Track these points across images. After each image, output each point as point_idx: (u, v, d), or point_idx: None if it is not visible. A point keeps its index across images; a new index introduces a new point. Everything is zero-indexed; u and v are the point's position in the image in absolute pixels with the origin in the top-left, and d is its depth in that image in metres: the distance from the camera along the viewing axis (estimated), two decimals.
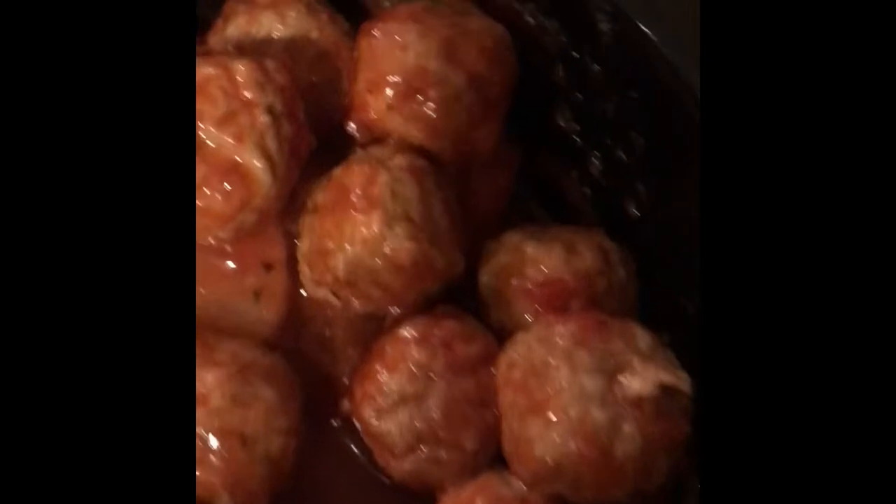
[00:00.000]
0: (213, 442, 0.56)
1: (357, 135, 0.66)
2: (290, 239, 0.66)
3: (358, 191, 0.60)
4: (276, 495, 0.59)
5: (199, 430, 0.56)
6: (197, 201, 0.57)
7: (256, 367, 0.59)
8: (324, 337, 0.67)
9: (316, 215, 0.63)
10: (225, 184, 0.57)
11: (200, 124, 0.57)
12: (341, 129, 0.68)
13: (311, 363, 0.65)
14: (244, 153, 0.57)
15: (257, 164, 0.58)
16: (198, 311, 0.62)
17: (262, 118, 0.58)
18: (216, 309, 0.64)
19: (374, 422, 0.59)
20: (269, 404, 0.58)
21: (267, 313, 0.65)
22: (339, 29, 0.69)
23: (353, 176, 0.61)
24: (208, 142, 0.57)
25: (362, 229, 0.59)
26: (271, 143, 0.58)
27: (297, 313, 0.66)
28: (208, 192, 0.57)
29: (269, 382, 0.59)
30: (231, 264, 0.65)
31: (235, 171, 0.57)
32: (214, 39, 0.67)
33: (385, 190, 0.59)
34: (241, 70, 0.58)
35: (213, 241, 0.61)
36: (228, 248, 0.64)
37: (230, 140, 0.57)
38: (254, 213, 0.60)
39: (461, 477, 0.58)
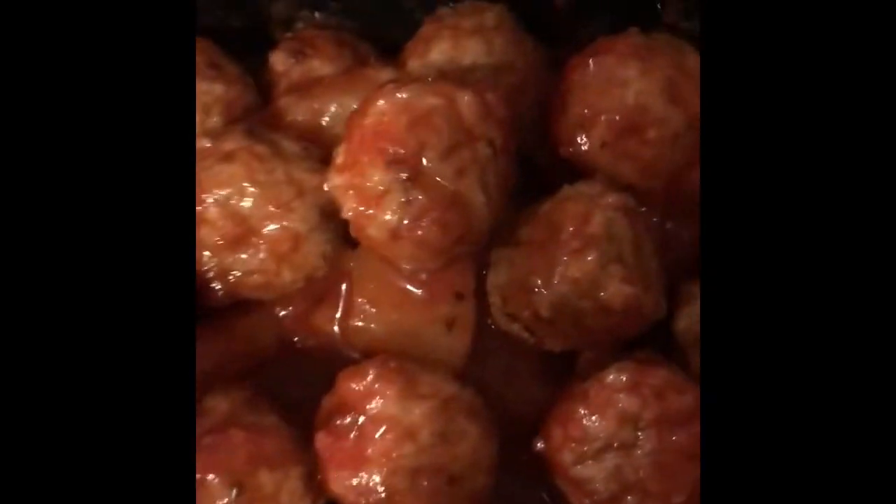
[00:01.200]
0: (423, 480, 0.55)
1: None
2: (479, 270, 0.67)
3: (571, 229, 0.59)
4: None
5: (408, 463, 0.55)
6: (415, 232, 0.56)
7: (459, 401, 0.57)
8: (509, 371, 0.66)
9: (519, 249, 0.62)
10: (444, 217, 0.56)
11: (424, 155, 0.56)
12: (532, 161, 0.68)
13: (494, 398, 0.65)
14: (466, 187, 0.56)
15: (479, 198, 0.56)
16: (389, 339, 0.63)
17: (484, 152, 0.57)
18: (409, 336, 0.63)
19: (575, 467, 0.57)
20: (475, 442, 0.56)
21: (459, 343, 0.63)
22: (542, 58, 0.68)
23: (566, 213, 0.59)
24: (431, 173, 0.56)
25: (575, 269, 0.58)
26: (491, 178, 0.57)
27: (482, 343, 0.66)
28: (426, 224, 0.56)
29: (471, 418, 0.57)
30: (423, 293, 0.65)
31: (456, 204, 0.56)
32: (414, 63, 0.67)
33: (601, 230, 0.58)
34: (466, 102, 0.56)
35: (415, 272, 0.61)
36: (423, 277, 0.64)
37: (452, 173, 0.56)
38: (467, 247, 0.59)
39: None
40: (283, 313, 0.64)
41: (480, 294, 0.65)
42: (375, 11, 0.74)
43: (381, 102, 0.57)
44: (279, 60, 0.70)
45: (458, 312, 0.64)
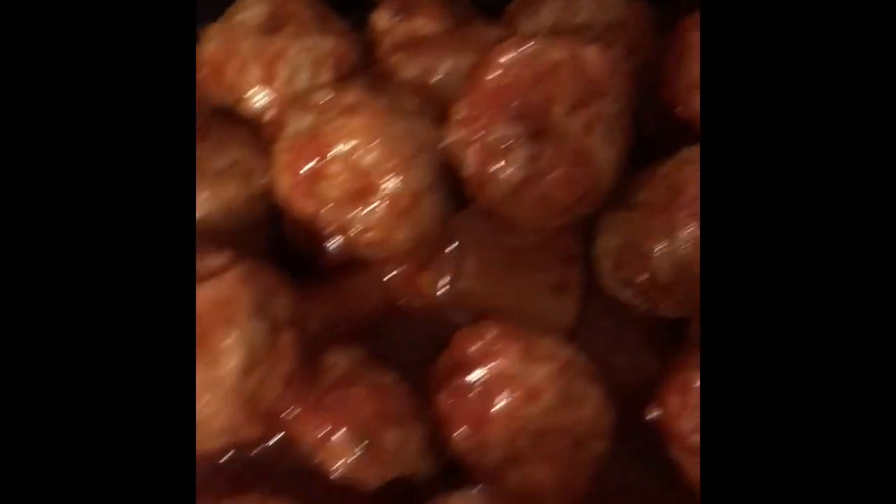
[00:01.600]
0: (547, 442, 0.54)
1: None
2: (587, 234, 0.66)
3: (694, 190, 0.58)
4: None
5: (533, 425, 0.54)
6: (540, 188, 0.55)
7: (577, 364, 0.57)
8: (616, 338, 0.65)
9: (634, 212, 0.61)
10: (571, 173, 0.56)
11: (551, 109, 0.55)
12: (638, 125, 0.67)
13: (602, 365, 0.64)
14: (594, 143, 0.55)
15: (606, 155, 0.56)
16: (497, 302, 0.62)
17: (612, 107, 0.56)
18: (517, 300, 0.62)
19: (694, 436, 0.56)
20: (597, 406, 0.56)
21: (567, 307, 0.62)
22: (653, 18, 0.67)
23: (688, 176, 0.58)
24: (558, 128, 0.55)
25: (696, 231, 0.57)
26: (617, 135, 0.57)
27: (587, 308, 0.65)
28: (552, 180, 0.55)
29: (591, 382, 0.56)
30: (532, 257, 0.64)
31: (583, 160, 0.56)
32: (524, 22, 0.66)
33: None
34: (593, 55, 0.55)
35: (528, 233, 0.60)
36: (532, 240, 0.63)
37: (580, 128, 0.55)
38: (589, 206, 0.58)
39: None
40: (391, 275, 0.64)
41: (588, 258, 0.65)
42: None
43: (504, 56, 0.56)
44: (382, 19, 0.69)
45: (567, 276, 0.63)
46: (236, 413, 0.50)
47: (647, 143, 0.65)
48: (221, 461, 0.53)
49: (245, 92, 0.63)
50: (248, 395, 0.50)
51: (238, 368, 0.49)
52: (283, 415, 0.53)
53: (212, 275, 0.50)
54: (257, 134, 0.63)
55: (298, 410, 0.54)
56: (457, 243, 0.63)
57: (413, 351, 0.62)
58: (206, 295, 0.49)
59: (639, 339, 0.64)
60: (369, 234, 0.59)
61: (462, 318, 0.63)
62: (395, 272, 0.63)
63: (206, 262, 0.51)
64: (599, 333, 0.64)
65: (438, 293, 0.63)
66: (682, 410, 0.57)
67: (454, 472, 0.58)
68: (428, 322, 0.63)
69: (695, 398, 0.57)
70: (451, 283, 0.63)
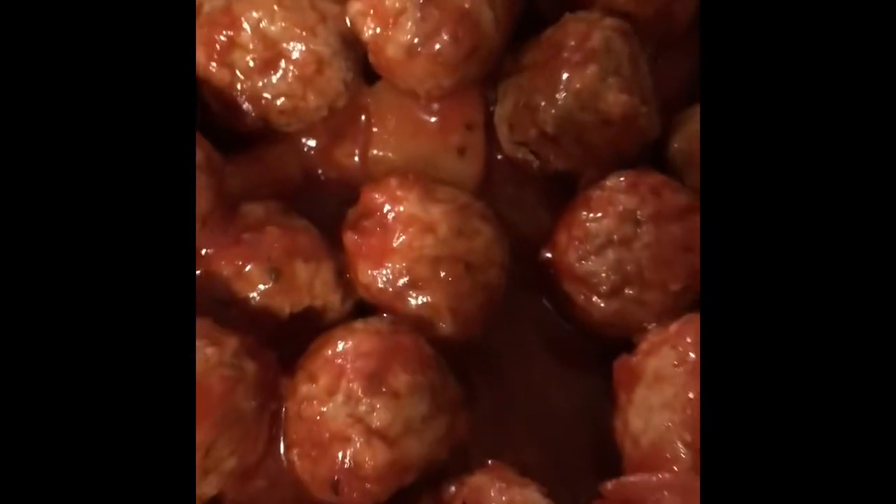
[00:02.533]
0: (442, 269, 0.60)
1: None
2: (487, 104, 0.72)
3: (572, 44, 0.64)
4: (485, 328, 0.64)
5: (429, 253, 0.60)
6: (431, 46, 0.61)
7: (473, 207, 0.63)
8: (516, 198, 0.71)
9: (524, 74, 0.67)
10: (456, 31, 0.61)
11: None
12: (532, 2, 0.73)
13: (504, 222, 0.70)
14: (475, 4, 0.61)
15: (487, 15, 0.62)
16: (406, 166, 0.68)
17: None
18: (424, 163, 0.68)
19: (580, 264, 0.63)
20: (489, 238, 0.62)
21: (471, 168, 0.69)
22: None
23: (567, 33, 0.65)
24: None
25: (576, 81, 0.63)
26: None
27: (490, 174, 0.71)
28: (442, 37, 0.61)
29: (484, 221, 0.63)
30: (437, 123, 0.70)
31: (467, 19, 0.61)
32: None
33: (601, 45, 0.63)
34: None
35: (430, 98, 0.66)
36: (435, 107, 0.69)
37: None
38: (476, 65, 0.64)
39: (662, 318, 0.62)
40: (307, 146, 0.69)
41: (489, 127, 0.71)
42: None
43: None
44: None
45: (469, 141, 0.69)
46: None
47: (540, 18, 0.72)
48: None
49: None
50: None
51: None
52: (201, 252, 0.59)
53: None
54: None
55: (215, 249, 0.60)
56: (365, 115, 0.70)
57: (327, 213, 0.67)
58: None
59: (535, 197, 0.70)
60: (281, 101, 0.65)
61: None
62: (311, 143, 0.70)
63: None
64: (500, 194, 0.70)
65: (354, 162, 0.70)
66: (568, 244, 0.63)
67: (364, 309, 0.64)
68: (342, 188, 0.69)
69: (579, 232, 0.63)
70: (361, 152, 0.70)
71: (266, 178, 0.68)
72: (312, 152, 0.70)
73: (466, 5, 0.61)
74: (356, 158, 0.70)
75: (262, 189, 0.68)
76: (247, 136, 0.68)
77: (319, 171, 0.70)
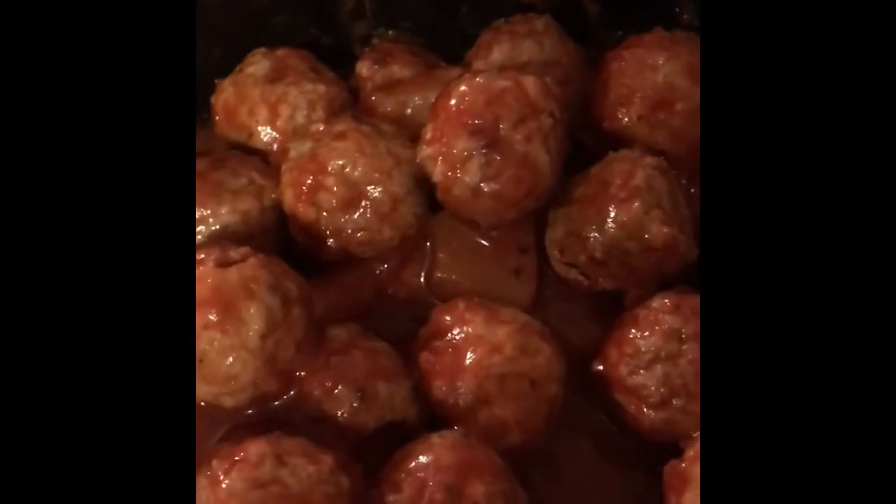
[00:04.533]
0: (509, 385, 0.67)
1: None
2: (537, 229, 0.79)
3: (618, 182, 0.72)
4: (547, 438, 0.70)
5: (497, 371, 0.67)
6: (493, 187, 0.69)
7: (533, 326, 0.71)
8: (567, 313, 0.78)
9: (574, 206, 0.75)
10: (517, 174, 0.70)
11: (499, 125, 0.69)
12: (578, 141, 0.81)
13: (557, 335, 0.77)
14: (533, 150, 0.70)
15: (544, 158, 0.70)
16: (467, 287, 0.75)
17: (547, 121, 0.70)
18: (484, 283, 0.76)
19: (631, 377, 0.70)
20: (548, 355, 0.69)
21: (526, 287, 0.76)
22: (581, 56, 0.83)
23: (613, 172, 0.73)
24: (505, 140, 0.69)
25: (623, 215, 0.71)
26: (552, 143, 0.71)
27: (542, 292, 0.79)
28: (504, 179, 0.69)
29: (543, 339, 0.70)
30: (494, 248, 0.77)
31: (526, 163, 0.70)
32: (479, 63, 0.82)
33: (643, 182, 0.72)
34: (530, 83, 0.71)
35: (489, 228, 0.74)
36: (493, 234, 0.77)
37: (521, 139, 0.70)
38: (534, 201, 0.72)
39: None
40: (379, 269, 0.77)
41: (540, 249, 0.79)
42: (438, 29, 0.89)
43: (462, 87, 0.71)
44: (365, 67, 0.84)
45: (524, 263, 0.77)
46: (259, 369, 0.63)
47: (585, 153, 0.80)
48: (247, 413, 0.66)
49: (255, 129, 0.79)
50: (268, 355, 0.64)
51: (260, 332, 0.63)
52: (296, 374, 0.66)
53: (235, 262, 0.64)
54: (266, 161, 0.79)
55: (307, 371, 0.67)
56: (431, 241, 0.78)
57: (398, 328, 0.75)
58: (232, 276, 0.63)
59: (584, 312, 0.78)
60: (360, 234, 0.73)
61: (440, 303, 0.77)
62: (382, 266, 0.78)
63: (230, 253, 0.65)
64: (552, 310, 0.78)
65: (419, 282, 0.78)
66: (619, 359, 0.70)
67: (436, 420, 0.71)
68: (410, 305, 0.77)
69: (629, 349, 0.70)
70: (426, 274, 0.78)
71: (344, 299, 0.76)
72: (383, 275, 0.78)
73: (525, 151, 0.70)
74: (422, 279, 0.78)
75: (340, 310, 0.75)
76: (325, 263, 0.77)
77: (389, 291, 0.78)
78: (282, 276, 0.66)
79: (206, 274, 0.62)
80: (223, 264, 0.63)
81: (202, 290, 0.62)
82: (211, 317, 0.61)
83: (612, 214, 0.71)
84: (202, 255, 0.64)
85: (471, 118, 0.70)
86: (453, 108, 0.71)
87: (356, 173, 0.72)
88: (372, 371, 0.68)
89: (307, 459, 0.60)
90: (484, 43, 0.83)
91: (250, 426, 0.66)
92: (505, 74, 0.72)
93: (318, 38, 0.87)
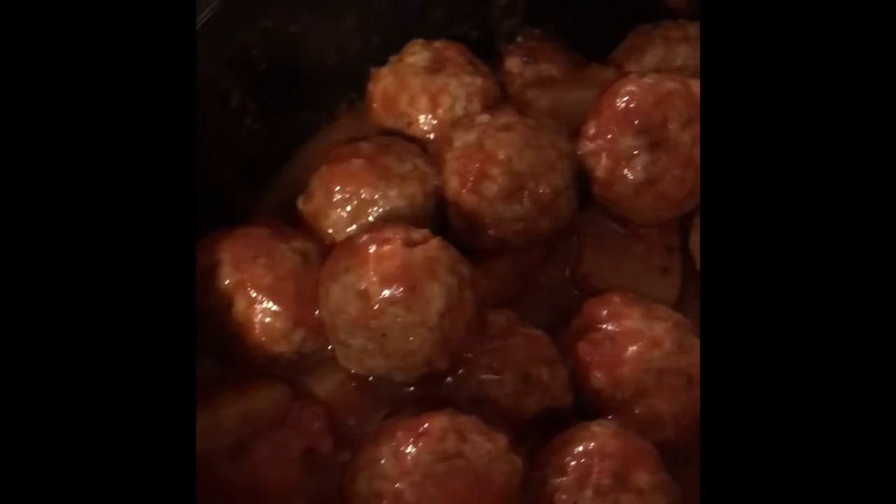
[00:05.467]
0: (667, 380, 0.69)
1: None
2: (682, 230, 0.81)
3: None
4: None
5: (657, 365, 0.69)
6: (658, 186, 0.71)
7: (686, 324, 0.72)
8: None
9: None
10: (683, 174, 0.72)
11: (667, 125, 0.71)
12: None
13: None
14: (698, 152, 0.71)
15: None
16: (613, 282, 0.77)
17: None
18: (630, 280, 0.78)
19: None
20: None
21: (671, 286, 0.78)
22: None
23: None
24: (672, 140, 0.71)
25: None
26: None
27: (684, 292, 0.80)
28: (668, 179, 0.71)
29: (697, 336, 0.71)
30: (641, 246, 0.79)
31: (691, 165, 0.72)
32: (631, 65, 0.83)
33: None
34: (697, 87, 0.72)
35: (649, 222, 0.75)
36: (641, 232, 0.79)
37: (688, 140, 0.72)
38: (694, 202, 0.74)
39: None
40: (527, 260, 0.79)
41: (684, 251, 0.80)
42: (582, 29, 0.91)
43: (630, 86, 0.73)
44: (515, 63, 0.86)
45: (670, 262, 0.79)
46: (434, 347, 0.65)
47: None
48: (409, 390, 0.68)
49: (415, 118, 0.81)
50: (444, 333, 0.65)
51: (439, 310, 0.65)
52: (463, 355, 0.68)
53: (418, 242, 0.66)
54: (424, 150, 0.81)
55: (473, 354, 0.69)
56: (578, 236, 0.80)
57: (541, 319, 0.76)
58: (417, 255, 0.65)
59: None
60: (519, 225, 0.75)
61: (581, 295, 0.79)
62: (531, 257, 0.79)
63: (414, 235, 0.67)
64: (693, 309, 0.79)
65: (563, 274, 0.80)
66: None
67: (586, 410, 0.72)
68: (553, 297, 0.79)
69: None
70: (573, 266, 0.80)
71: (494, 287, 0.78)
72: (531, 265, 0.80)
73: (691, 152, 0.72)
74: (567, 272, 0.80)
75: (490, 297, 0.77)
76: (479, 251, 0.79)
77: (535, 282, 0.80)
78: (457, 259, 0.68)
79: (394, 252, 0.64)
80: (409, 244, 0.65)
81: (389, 268, 0.64)
82: (397, 293, 0.63)
83: None
84: (388, 235, 0.66)
85: (639, 117, 0.72)
86: (621, 106, 0.73)
87: (521, 165, 0.73)
88: (534, 357, 0.69)
89: (485, 436, 0.62)
90: (635, 46, 0.85)
91: (415, 401, 0.68)
92: (673, 77, 0.74)
93: (468, 33, 0.89)
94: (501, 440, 0.63)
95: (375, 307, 0.64)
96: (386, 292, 0.63)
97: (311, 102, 0.87)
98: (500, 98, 0.85)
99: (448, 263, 0.66)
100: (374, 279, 0.64)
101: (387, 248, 0.65)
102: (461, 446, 0.61)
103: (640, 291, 0.77)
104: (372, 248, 0.65)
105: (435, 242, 0.67)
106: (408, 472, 0.59)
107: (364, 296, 0.64)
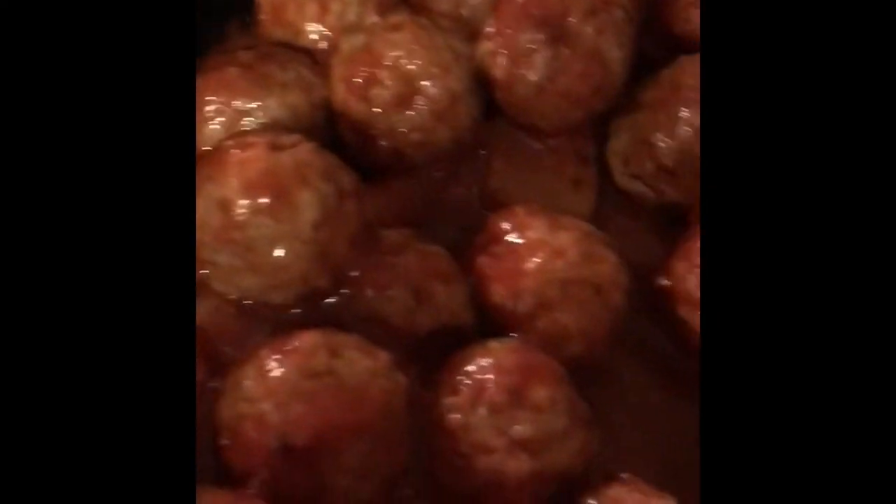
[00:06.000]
0: (572, 291, 0.63)
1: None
2: (597, 140, 0.75)
3: (692, 83, 0.68)
4: (608, 350, 0.67)
5: (560, 276, 0.63)
6: (561, 83, 0.66)
7: (597, 234, 0.67)
8: (626, 228, 0.74)
9: (641, 112, 0.71)
10: (586, 68, 0.66)
11: (569, 16, 0.66)
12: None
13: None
14: (605, 43, 0.66)
15: (616, 54, 0.66)
16: (525, 195, 0.72)
17: (619, 14, 0.67)
18: (541, 194, 0.72)
19: (698, 292, 0.66)
20: (614, 263, 0.65)
21: (585, 199, 0.73)
22: None
23: (687, 73, 0.69)
24: (574, 32, 0.66)
25: (696, 117, 0.67)
26: (625, 39, 0.67)
27: (601, 206, 0.75)
28: (570, 75, 0.66)
29: (609, 247, 0.66)
30: (552, 157, 0.74)
31: (596, 58, 0.66)
32: None
33: None
34: None
35: (555, 125, 0.70)
36: (550, 142, 0.73)
37: (593, 31, 0.66)
38: (602, 101, 0.68)
39: None
40: (431, 177, 0.73)
41: (601, 162, 0.75)
42: None
43: None
44: None
45: (583, 173, 0.74)
46: (310, 262, 0.59)
47: (652, 59, 0.76)
48: (294, 312, 0.62)
49: (302, 27, 0.74)
50: (321, 247, 0.60)
51: (313, 221, 0.58)
52: (349, 273, 0.63)
53: (287, 147, 0.60)
54: (315, 60, 0.75)
55: (360, 271, 0.63)
56: (486, 149, 0.74)
57: (449, 238, 0.71)
58: (285, 160, 0.59)
59: (646, 228, 0.74)
60: (414, 135, 0.69)
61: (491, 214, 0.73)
62: (434, 174, 0.74)
63: (282, 139, 0.61)
64: (612, 225, 0.74)
65: (472, 192, 0.74)
66: (686, 273, 0.67)
67: (491, 329, 0.67)
68: (462, 216, 0.73)
69: (695, 261, 0.66)
70: (481, 183, 0.74)
71: (394, 206, 0.72)
72: (435, 183, 0.74)
73: (595, 44, 0.66)
74: (475, 189, 0.74)
75: (389, 216, 0.71)
76: (375, 168, 0.73)
77: (440, 200, 0.74)
78: (336, 166, 0.62)
79: (258, 157, 0.58)
80: (276, 148, 0.59)
81: (251, 173, 0.58)
82: (261, 201, 0.57)
83: (684, 117, 0.67)
84: (252, 139, 0.60)
85: (537, 8, 0.66)
86: (519, 0, 0.68)
87: (412, 67, 0.67)
88: (428, 272, 0.64)
89: (363, 353, 0.57)
90: None
91: (299, 325, 0.63)
92: None
93: None
94: (383, 357, 0.57)
95: (238, 217, 0.58)
96: (249, 200, 0.57)
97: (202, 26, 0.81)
98: (403, 4, 0.80)
99: (322, 169, 0.60)
100: (236, 186, 0.58)
101: (250, 152, 0.59)
102: (333, 363, 0.55)
103: (553, 206, 0.71)
104: (234, 154, 0.59)
105: (306, 146, 0.61)
106: (272, 392, 0.54)
107: (225, 205, 0.58)
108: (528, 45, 0.66)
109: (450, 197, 0.74)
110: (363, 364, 0.56)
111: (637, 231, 0.74)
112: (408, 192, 0.74)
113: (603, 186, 0.75)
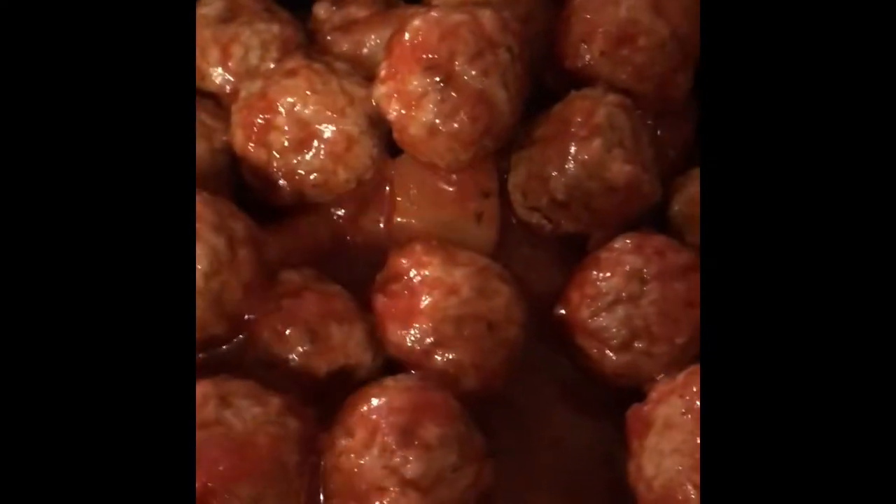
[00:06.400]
0: (465, 328, 0.65)
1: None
2: (500, 174, 0.77)
3: (579, 120, 0.70)
4: (506, 382, 0.69)
5: (453, 313, 0.65)
6: (450, 125, 0.67)
7: (492, 269, 0.68)
8: (530, 258, 0.76)
9: (535, 147, 0.73)
10: (473, 111, 0.67)
11: (455, 60, 0.67)
12: (540, 82, 0.79)
13: (519, 281, 0.75)
14: (490, 86, 0.67)
15: (501, 95, 0.68)
16: (428, 232, 0.73)
17: (504, 56, 0.68)
18: (445, 228, 0.73)
19: (592, 320, 0.68)
20: (507, 298, 0.67)
21: (487, 232, 0.74)
22: None
23: (574, 110, 0.71)
24: (460, 76, 0.67)
25: (584, 153, 0.69)
26: (510, 79, 0.68)
27: (505, 237, 0.76)
28: (460, 117, 0.67)
29: (503, 281, 0.68)
30: (455, 191, 0.75)
31: (482, 100, 0.67)
32: (437, 2, 0.79)
33: (604, 120, 0.69)
34: (487, 17, 0.68)
35: (449, 170, 0.71)
36: (454, 177, 0.74)
37: (478, 74, 0.67)
38: (492, 140, 0.69)
39: (670, 369, 0.67)
40: (336, 214, 0.75)
41: (503, 195, 0.76)
42: None
43: (416, 21, 0.69)
44: (322, 8, 0.81)
45: (485, 207, 0.75)
46: (204, 311, 0.61)
47: (548, 94, 0.78)
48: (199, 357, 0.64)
49: (207, 71, 0.76)
50: (214, 296, 0.62)
51: (203, 272, 0.61)
52: (245, 317, 0.64)
53: None
54: (219, 104, 0.76)
55: (257, 315, 0.65)
56: (390, 185, 0.75)
57: (356, 275, 0.72)
58: None
59: (548, 258, 0.76)
60: (314, 177, 0.71)
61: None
62: (340, 212, 0.75)
63: None
64: (515, 256, 0.76)
65: (378, 228, 0.75)
66: (580, 302, 0.69)
67: (394, 367, 0.69)
68: (369, 252, 0.74)
69: (591, 290, 0.68)
70: (385, 219, 0.75)
71: (300, 245, 0.74)
72: (341, 220, 0.75)
73: (482, 87, 0.67)
74: (381, 225, 0.75)
75: (295, 255, 0.73)
76: (281, 208, 0.75)
77: (347, 237, 0.75)
78: (227, 215, 0.63)
79: None
80: None
81: None
82: None
83: (573, 153, 0.69)
84: None
85: (425, 53, 0.67)
86: (407, 44, 0.68)
87: (307, 111, 0.69)
88: (324, 313, 0.65)
89: (252, 401, 0.58)
90: None
91: (198, 370, 0.64)
92: (461, 8, 0.69)
93: None
94: (274, 403, 0.59)
95: None
96: None
97: None
98: (308, 46, 0.81)
99: (212, 221, 0.62)
100: None
101: None
102: (222, 413, 0.57)
103: (455, 240, 0.72)
104: None
105: (198, 197, 0.62)
106: None
107: None
108: (418, 89, 0.67)
109: (358, 233, 0.76)
110: (252, 412, 0.58)
111: (540, 261, 0.76)
112: (314, 230, 0.76)
113: (507, 218, 0.77)
